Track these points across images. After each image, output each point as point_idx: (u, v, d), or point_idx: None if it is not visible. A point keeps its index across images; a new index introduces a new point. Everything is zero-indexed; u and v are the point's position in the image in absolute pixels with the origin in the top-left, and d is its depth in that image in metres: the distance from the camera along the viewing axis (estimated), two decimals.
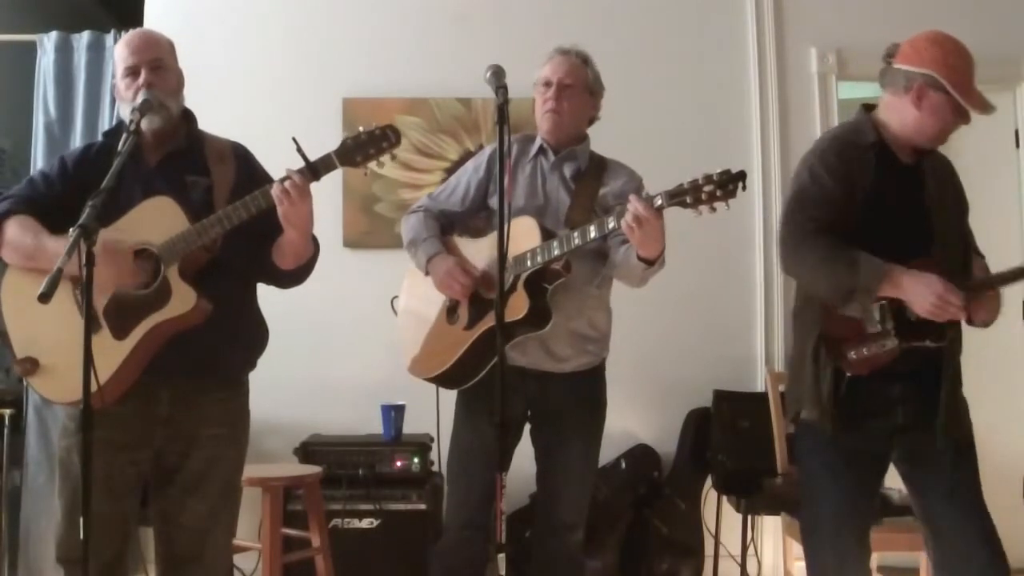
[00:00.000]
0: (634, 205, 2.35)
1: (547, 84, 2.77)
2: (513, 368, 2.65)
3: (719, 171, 2.31)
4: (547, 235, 2.61)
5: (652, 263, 2.50)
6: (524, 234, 2.61)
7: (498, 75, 2.28)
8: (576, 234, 2.52)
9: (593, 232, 2.49)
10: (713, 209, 2.32)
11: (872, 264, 2.38)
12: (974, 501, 2.47)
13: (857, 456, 2.50)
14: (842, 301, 2.43)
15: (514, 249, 2.57)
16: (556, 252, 2.55)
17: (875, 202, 2.49)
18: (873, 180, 2.49)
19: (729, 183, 2.30)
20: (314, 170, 2.27)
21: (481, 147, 3.28)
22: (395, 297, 2.97)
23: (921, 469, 2.52)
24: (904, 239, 2.45)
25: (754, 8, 4.35)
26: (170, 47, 2.46)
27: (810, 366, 2.49)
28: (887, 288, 2.38)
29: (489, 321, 2.63)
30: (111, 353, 2.23)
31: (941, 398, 2.43)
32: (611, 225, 2.45)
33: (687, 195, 2.32)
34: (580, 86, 2.79)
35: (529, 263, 2.59)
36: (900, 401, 2.48)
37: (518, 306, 2.59)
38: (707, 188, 2.30)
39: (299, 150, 2.25)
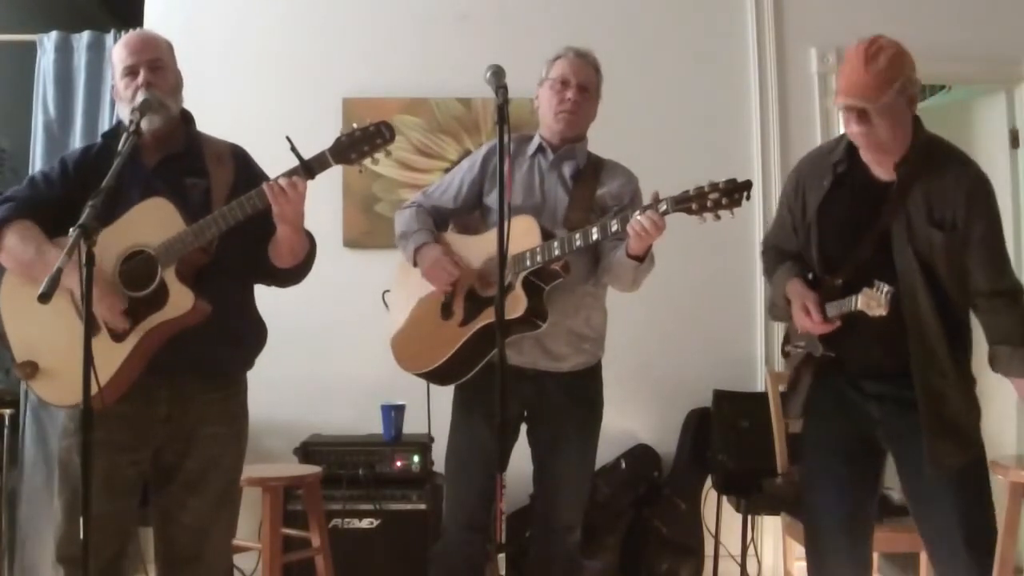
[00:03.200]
0: (646, 214, 2.38)
1: (565, 83, 2.75)
2: (509, 368, 2.64)
3: (725, 179, 2.33)
4: (546, 235, 2.61)
5: (642, 259, 2.52)
6: (523, 233, 2.61)
7: (498, 75, 2.28)
8: (578, 235, 2.53)
9: (595, 234, 2.50)
10: (718, 217, 2.34)
11: (778, 282, 2.61)
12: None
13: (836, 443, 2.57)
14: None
15: (512, 248, 2.57)
16: (556, 253, 2.56)
17: (822, 221, 2.53)
18: (824, 197, 2.52)
19: (735, 192, 2.32)
20: (309, 169, 2.28)
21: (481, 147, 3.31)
22: (386, 291, 2.96)
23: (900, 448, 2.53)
24: (862, 262, 2.43)
25: (754, 8, 4.35)
26: (168, 48, 2.46)
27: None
28: None
29: (484, 318, 2.63)
30: (110, 355, 2.23)
31: (923, 425, 2.39)
32: (614, 228, 2.47)
33: (692, 202, 2.35)
34: (593, 92, 2.80)
35: (528, 263, 2.59)
36: (876, 398, 2.50)
37: (516, 305, 2.59)
38: (712, 196, 2.33)
39: (293, 149, 2.25)
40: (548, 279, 2.62)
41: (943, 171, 2.40)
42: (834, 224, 2.50)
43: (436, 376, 2.79)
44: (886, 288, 2.25)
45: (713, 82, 4.36)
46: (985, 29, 4.28)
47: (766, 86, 4.34)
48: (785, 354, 2.72)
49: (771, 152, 4.32)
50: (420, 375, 2.81)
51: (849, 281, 2.41)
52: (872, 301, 2.27)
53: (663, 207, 2.38)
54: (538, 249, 2.57)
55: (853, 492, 2.55)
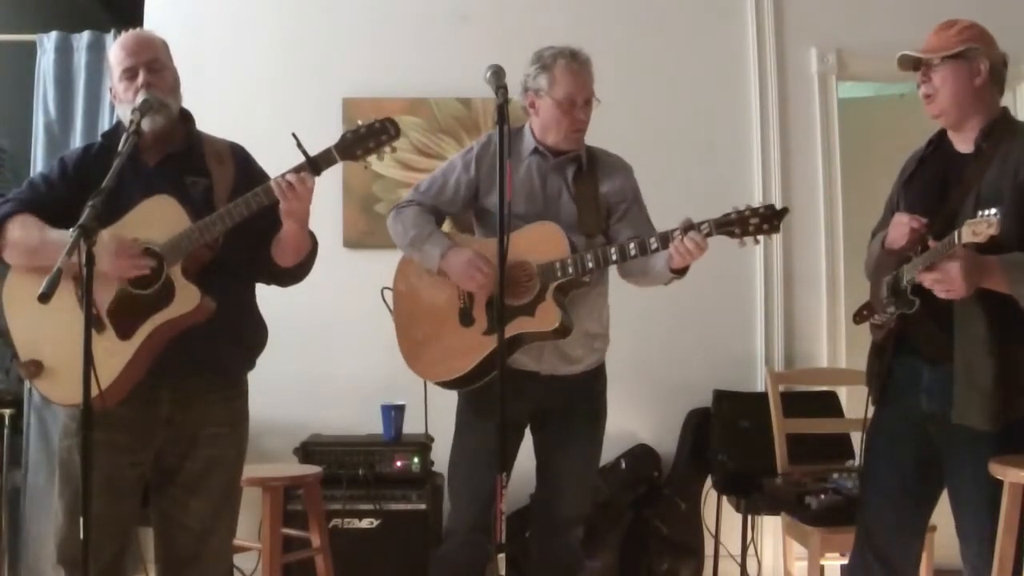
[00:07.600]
0: (690, 236, 2.44)
1: (573, 103, 2.69)
2: (523, 372, 2.65)
3: (763, 204, 2.44)
4: (571, 244, 2.62)
5: (682, 274, 2.58)
6: (547, 241, 2.60)
7: (498, 75, 2.28)
8: (614, 250, 2.57)
9: (633, 250, 2.54)
10: (757, 241, 2.45)
11: (875, 243, 2.60)
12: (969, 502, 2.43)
13: (900, 429, 2.55)
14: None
15: (538, 256, 2.57)
16: (590, 266, 2.58)
17: (906, 196, 2.57)
18: (910, 175, 2.57)
19: (773, 218, 2.43)
20: (314, 165, 2.28)
21: None
22: (385, 288, 2.92)
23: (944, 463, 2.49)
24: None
25: (754, 8, 4.35)
26: (164, 46, 2.46)
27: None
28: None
29: (513, 328, 2.58)
30: (116, 353, 2.24)
31: (956, 381, 2.36)
32: (654, 247, 2.51)
33: (735, 226, 2.44)
34: (593, 97, 2.76)
35: (560, 274, 2.59)
36: (926, 389, 2.47)
37: (549, 317, 2.58)
38: (753, 221, 2.43)
39: (299, 146, 2.26)
40: (571, 288, 2.63)
41: (1021, 137, 2.41)
42: (915, 195, 2.54)
43: (457, 384, 2.74)
44: (991, 211, 2.17)
45: (713, 82, 4.36)
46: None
47: (766, 86, 4.34)
48: (860, 320, 2.66)
49: (771, 152, 4.32)
50: (441, 384, 2.77)
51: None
52: (980, 226, 2.17)
53: (705, 229, 2.44)
54: (569, 261, 2.58)
55: (911, 471, 2.54)
